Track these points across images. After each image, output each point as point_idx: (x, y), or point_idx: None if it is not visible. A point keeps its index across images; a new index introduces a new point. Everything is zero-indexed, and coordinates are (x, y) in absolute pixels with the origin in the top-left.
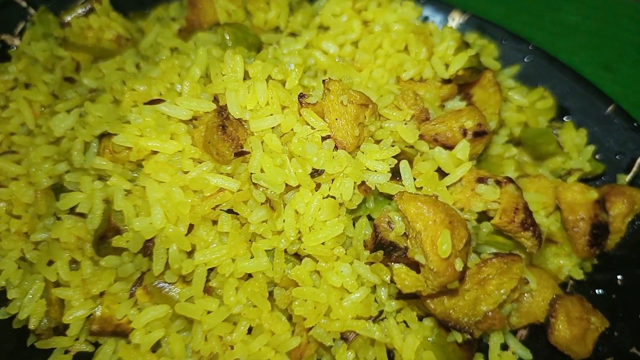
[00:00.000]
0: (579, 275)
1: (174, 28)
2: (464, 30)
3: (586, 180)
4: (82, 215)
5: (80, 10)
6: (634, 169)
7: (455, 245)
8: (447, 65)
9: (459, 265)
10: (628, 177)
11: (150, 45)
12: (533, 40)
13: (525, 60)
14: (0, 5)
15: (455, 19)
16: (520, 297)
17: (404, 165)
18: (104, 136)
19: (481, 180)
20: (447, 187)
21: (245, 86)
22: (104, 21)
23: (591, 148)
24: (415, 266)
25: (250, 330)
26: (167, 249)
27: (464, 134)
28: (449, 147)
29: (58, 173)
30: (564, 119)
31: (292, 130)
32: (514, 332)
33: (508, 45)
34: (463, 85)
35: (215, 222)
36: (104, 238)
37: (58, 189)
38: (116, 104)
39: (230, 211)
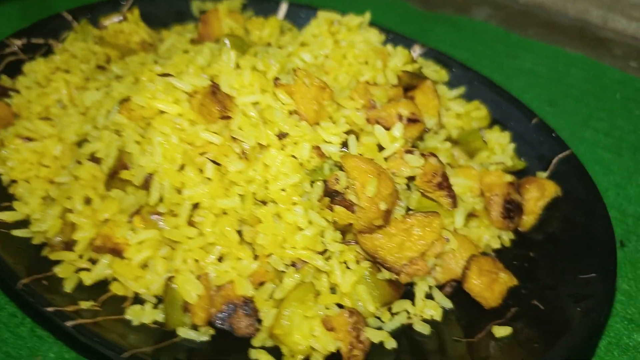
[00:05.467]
0: (496, 244)
1: (188, 38)
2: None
3: (510, 173)
4: (98, 161)
5: (115, 19)
6: (550, 167)
7: (381, 191)
8: (398, 78)
9: (382, 206)
10: (545, 174)
11: (167, 49)
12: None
13: (471, 84)
14: (50, 18)
15: (417, 51)
16: (444, 255)
17: (352, 138)
18: (125, 101)
19: (409, 151)
20: (385, 158)
21: (235, 73)
22: (133, 28)
23: (512, 145)
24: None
25: (220, 259)
26: (162, 183)
27: (400, 118)
28: (388, 129)
29: (84, 132)
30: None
31: (267, 105)
32: (440, 288)
33: (458, 73)
34: (407, 89)
35: (201, 171)
36: (114, 174)
37: (82, 143)
38: (136, 83)
39: (214, 162)
